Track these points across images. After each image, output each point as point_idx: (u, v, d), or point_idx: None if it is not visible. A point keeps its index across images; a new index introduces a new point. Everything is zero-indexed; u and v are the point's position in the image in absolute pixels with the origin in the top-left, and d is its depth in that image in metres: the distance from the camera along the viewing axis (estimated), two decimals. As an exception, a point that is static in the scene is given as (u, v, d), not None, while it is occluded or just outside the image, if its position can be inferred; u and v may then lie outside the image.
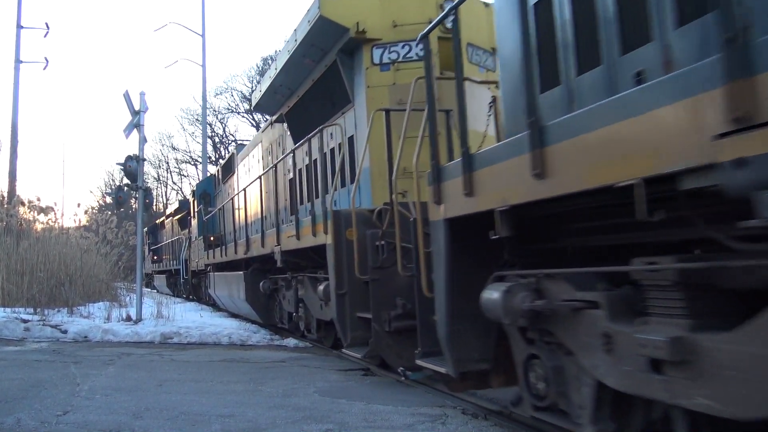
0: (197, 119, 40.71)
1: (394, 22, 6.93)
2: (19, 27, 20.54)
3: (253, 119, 40.57)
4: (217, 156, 40.75)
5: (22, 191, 20.33)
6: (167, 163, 48.63)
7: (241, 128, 41.44)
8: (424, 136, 4.53)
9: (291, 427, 4.22)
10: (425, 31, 4.33)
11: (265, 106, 10.86)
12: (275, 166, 9.87)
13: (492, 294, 3.41)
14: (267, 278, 10.38)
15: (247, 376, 6.34)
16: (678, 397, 2.47)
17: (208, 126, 35.23)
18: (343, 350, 6.60)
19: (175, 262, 22.57)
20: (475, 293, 3.60)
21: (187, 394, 5.38)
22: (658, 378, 2.53)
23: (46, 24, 21.25)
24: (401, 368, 5.60)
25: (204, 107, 27.05)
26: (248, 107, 41.98)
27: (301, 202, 9.14)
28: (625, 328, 2.73)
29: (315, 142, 7.65)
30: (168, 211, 29.76)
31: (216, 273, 14.28)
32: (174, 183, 49.69)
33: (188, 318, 12.48)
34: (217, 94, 42.62)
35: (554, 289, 3.22)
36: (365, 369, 6.65)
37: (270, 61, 39.86)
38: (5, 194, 17.26)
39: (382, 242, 5.71)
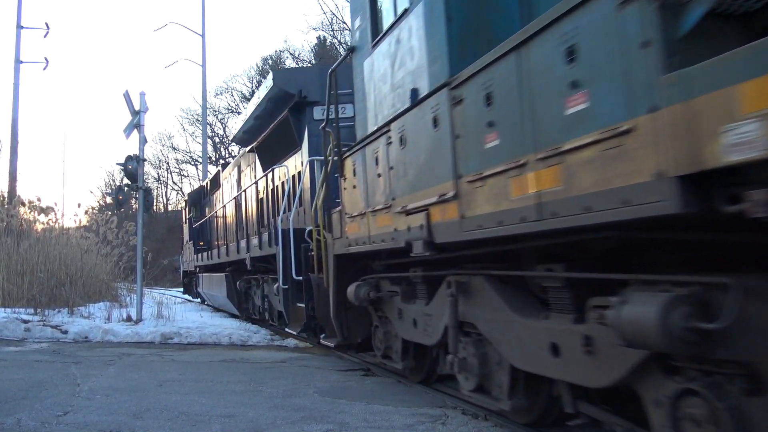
0: (197, 119, 40.76)
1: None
2: (19, 27, 20.55)
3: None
4: (217, 156, 40.78)
5: (22, 191, 20.32)
6: (167, 163, 48.72)
7: (241, 128, 41.29)
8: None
9: (291, 427, 4.23)
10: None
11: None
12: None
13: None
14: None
15: (248, 376, 6.34)
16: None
17: (208, 126, 35.24)
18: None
19: (253, 244, 11.08)
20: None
21: (187, 394, 5.38)
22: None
23: (46, 24, 21.29)
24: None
25: (204, 107, 27.09)
26: (248, 107, 42.00)
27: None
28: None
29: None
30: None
31: (204, 274, 16.94)
32: (174, 183, 49.77)
33: (188, 318, 12.49)
34: (217, 94, 42.69)
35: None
36: (365, 369, 6.65)
37: (270, 61, 40.00)
38: (5, 194, 17.30)
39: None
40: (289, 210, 9.20)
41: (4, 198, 16.35)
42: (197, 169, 42.15)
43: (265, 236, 9.84)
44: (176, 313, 12.47)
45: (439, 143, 4.02)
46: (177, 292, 25.45)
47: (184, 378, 6.26)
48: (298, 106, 9.46)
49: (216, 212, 16.03)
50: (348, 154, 6.01)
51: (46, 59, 21.07)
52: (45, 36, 21.31)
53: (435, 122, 4.08)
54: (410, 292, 5.30)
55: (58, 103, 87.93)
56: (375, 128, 5.24)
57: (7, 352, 8.18)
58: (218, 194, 16.55)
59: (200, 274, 17.46)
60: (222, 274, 13.61)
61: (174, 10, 77.64)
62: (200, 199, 19.88)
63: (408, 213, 4.53)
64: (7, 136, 21.31)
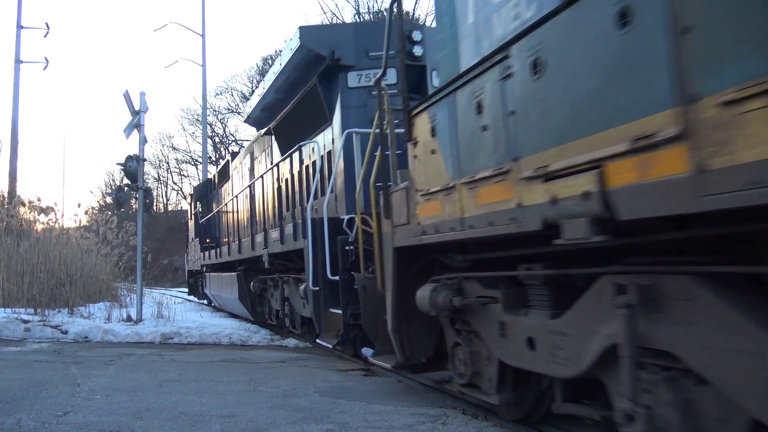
0: (197, 119, 40.76)
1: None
2: (19, 27, 20.57)
3: (253, 119, 40.49)
4: (217, 156, 40.76)
5: (22, 191, 20.35)
6: (167, 163, 48.72)
7: (241, 128, 41.39)
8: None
9: (291, 427, 4.23)
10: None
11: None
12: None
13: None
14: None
15: (248, 376, 6.34)
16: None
17: (208, 126, 35.24)
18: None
19: (272, 239, 9.55)
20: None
21: (187, 394, 5.38)
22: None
23: (46, 24, 21.33)
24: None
25: (204, 107, 27.09)
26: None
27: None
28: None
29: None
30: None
31: (211, 273, 15.13)
32: (174, 183, 49.77)
33: (188, 318, 12.49)
34: (217, 94, 42.68)
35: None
36: (365, 369, 6.65)
37: (270, 61, 39.90)
38: (5, 194, 17.29)
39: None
40: (322, 195, 7.71)
41: (4, 198, 16.35)
42: (197, 169, 42.16)
43: (289, 228, 8.36)
44: (176, 313, 12.48)
45: (637, 50, 2.38)
46: (177, 291, 25.46)
47: (184, 378, 6.26)
48: (329, 72, 7.99)
49: (225, 206, 14.46)
50: (421, 107, 4.34)
51: (46, 59, 21.13)
52: (45, 36, 21.35)
53: (623, 17, 2.42)
54: (519, 299, 3.75)
55: (58, 103, 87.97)
56: (477, 60, 3.63)
57: (7, 352, 8.18)
58: (227, 187, 15.14)
59: (207, 274, 15.94)
60: (233, 273, 12.05)
61: (174, 10, 77.69)
62: (207, 192, 18.43)
63: (551, 177, 2.90)
64: (7, 136, 21.34)
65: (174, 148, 48.47)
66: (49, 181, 71.30)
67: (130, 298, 14.37)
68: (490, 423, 4.24)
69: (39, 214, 14.81)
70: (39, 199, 14.96)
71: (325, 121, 8.34)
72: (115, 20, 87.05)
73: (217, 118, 43.36)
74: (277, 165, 9.91)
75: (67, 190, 78.75)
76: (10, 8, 32.08)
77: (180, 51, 72.35)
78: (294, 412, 4.66)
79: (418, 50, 7.38)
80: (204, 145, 27.08)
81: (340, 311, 6.70)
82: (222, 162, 18.85)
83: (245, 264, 11.52)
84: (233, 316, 13.92)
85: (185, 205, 46.61)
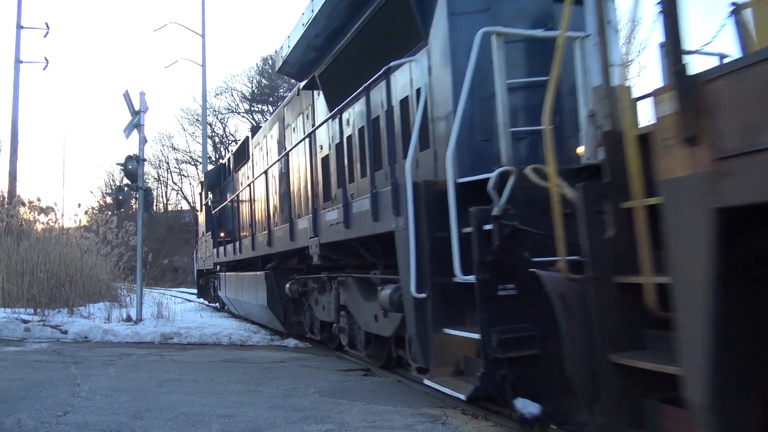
0: (197, 119, 40.72)
1: None
2: (19, 27, 20.56)
3: (253, 119, 40.58)
4: (217, 156, 40.75)
5: (22, 191, 20.31)
6: (167, 163, 48.63)
7: (241, 128, 41.38)
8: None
9: (291, 427, 4.23)
10: None
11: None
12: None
13: None
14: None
15: (247, 376, 6.34)
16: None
17: (208, 126, 35.22)
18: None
19: (328, 221, 6.53)
20: None
21: (187, 394, 5.38)
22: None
23: (46, 24, 21.30)
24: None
25: (204, 107, 27.05)
26: (248, 107, 42.05)
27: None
28: None
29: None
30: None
31: (227, 273, 12.91)
32: (174, 183, 49.72)
33: (188, 318, 12.49)
34: (217, 94, 42.62)
35: None
36: (365, 369, 6.65)
37: (270, 61, 39.96)
38: (5, 194, 17.27)
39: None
40: (444, 143, 4.73)
41: (4, 198, 16.33)
42: (197, 169, 42.11)
43: (360, 205, 5.58)
44: (176, 313, 12.47)
45: None
46: (177, 291, 25.48)
47: (183, 378, 6.26)
48: None
49: (245, 191, 11.54)
50: None
51: (46, 59, 21.09)
52: (45, 36, 21.32)
53: None
54: None
55: (58, 103, 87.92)
56: None
57: (7, 352, 8.18)
58: (245, 170, 12.93)
59: (222, 274, 13.61)
60: (258, 273, 9.66)
61: (174, 10, 77.65)
62: (220, 179, 16.06)
63: None
64: (7, 136, 21.32)
65: (174, 148, 48.40)
66: (49, 181, 71.18)
67: (130, 298, 14.36)
68: (490, 423, 4.24)
69: (39, 214, 14.81)
70: (39, 199, 14.96)
71: (416, 43, 5.51)
72: (115, 20, 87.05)
73: (217, 118, 43.36)
74: (339, 112, 6.57)
75: (67, 190, 78.68)
76: (10, 8, 32.09)
77: (180, 51, 72.16)
78: (294, 412, 4.66)
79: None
80: (204, 145, 27.05)
81: (463, 333, 4.28)
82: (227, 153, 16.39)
83: (277, 260, 9.28)
84: (233, 316, 13.81)
85: (185, 206, 46.80)
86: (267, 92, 40.57)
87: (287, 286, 8.75)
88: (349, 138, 6.90)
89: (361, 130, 6.57)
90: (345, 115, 6.82)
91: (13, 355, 8.00)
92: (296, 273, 8.83)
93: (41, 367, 6.94)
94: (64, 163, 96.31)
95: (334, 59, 7.07)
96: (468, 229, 4.13)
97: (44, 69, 21.09)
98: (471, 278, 4.10)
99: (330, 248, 6.55)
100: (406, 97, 5.72)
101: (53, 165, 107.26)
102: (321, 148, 7.84)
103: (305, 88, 8.32)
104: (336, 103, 6.89)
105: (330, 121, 7.19)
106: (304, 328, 8.95)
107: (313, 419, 4.40)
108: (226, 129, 44.11)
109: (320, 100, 7.86)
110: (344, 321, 7.07)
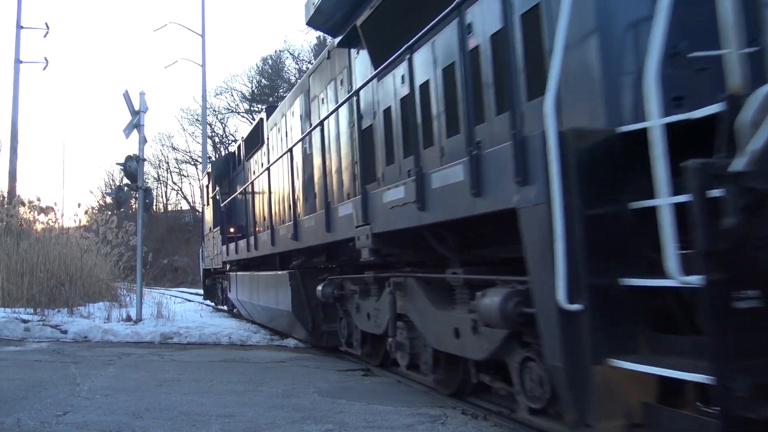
0: (197, 119, 40.73)
1: None
2: (19, 27, 20.56)
3: (253, 119, 40.57)
4: (217, 156, 40.76)
5: (22, 191, 20.34)
6: (167, 163, 48.66)
7: (241, 128, 41.37)
8: None
9: (291, 427, 4.23)
10: None
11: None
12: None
13: None
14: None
15: (247, 376, 6.34)
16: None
17: (208, 126, 35.27)
18: None
19: (388, 203, 4.86)
20: None
21: (187, 394, 5.38)
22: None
23: (46, 24, 21.32)
24: None
25: (204, 107, 27.09)
26: (248, 107, 42.04)
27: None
28: None
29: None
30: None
31: (239, 273, 11.56)
32: (174, 183, 49.73)
33: (188, 318, 12.48)
34: (217, 94, 42.63)
35: None
36: (365, 369, 6.65)
37: (270, 61, 40.03)
38: (5, 194, 17.28)
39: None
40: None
41: (4, 198, 16.33)
42: (197, 168, 42.11)
43: (447, 174, 4.00)
44: (176, 313, 12.46)
45: None
46: (177, 291, 25.47)
47: (183, 378, 6.26)
48: None
49: (269, 173, 9.17)
50: None
51: (46, 59, 21.11)
52: (45, 36, 21.33)
53: None
54: None
55: (58, 103, 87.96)
56: None
57: (7, 352, 8.18)
58: (259, 156, 11.38)
59: (233, 274, 12.19)
60: (281, 272, 8.33)
61: (174, 10, 77.67)
62: (229, 170, 14.52)
63: None
64: (7, 136, 21.31)
65: (174, 148, 48.43)
66: (49, 181, 71.31)
67: (130, 297, 14.36)
68: (490, 423, 4.24)
69: (39, 214, 14.80)
70: (39, 199, 14.95)
71: None
72: (115, 20, 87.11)
73: (217, 118, 43.37)
74: (409, 51, 4.64)
75: (67, 190, 78.76)
76: (10, 8, 32.09)
77: (180, 51, 72.26)
78: (293, 412, 4.66)
79: None
80: (204, 145, 27.08)
81: (657, 370, 2.68)
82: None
83: (302, 257, 8.10)
84: (234, 316, 13.76)
85: (185, 206, 46.81)
86: (267, 92, 40.56)
87: (319, 288, 7.13)
88: (424, 86, 5.09)
89: (447, 70, 4.74)
90: (398, 71, 5.42)
91: (12, 354, 8.00)
92: (327, 273, 7.55)
93: (41, 366, 6.94)
94: (64, 163, 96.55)
95: (379, 5, 5.70)
96: (681, 198, 2.55)
97: (44, 69, 21.12)
98: (694, 279, 2.48)
99: (386, 240, 5.08)
100: (494, 33, 4.10)
101: (53, 165, 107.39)
102: (362, 118, 6.10)
103: (340, 45, 6.86)
104: (382, 58, 5.38)
105: (376, 80, 5.71)
106: (339, 339, 7.29)
107: (313, 419, 4.40)
108: (226, 129, 44.15)
109: (360, 59, 6.44)
110: (403, 335, 5.43)
